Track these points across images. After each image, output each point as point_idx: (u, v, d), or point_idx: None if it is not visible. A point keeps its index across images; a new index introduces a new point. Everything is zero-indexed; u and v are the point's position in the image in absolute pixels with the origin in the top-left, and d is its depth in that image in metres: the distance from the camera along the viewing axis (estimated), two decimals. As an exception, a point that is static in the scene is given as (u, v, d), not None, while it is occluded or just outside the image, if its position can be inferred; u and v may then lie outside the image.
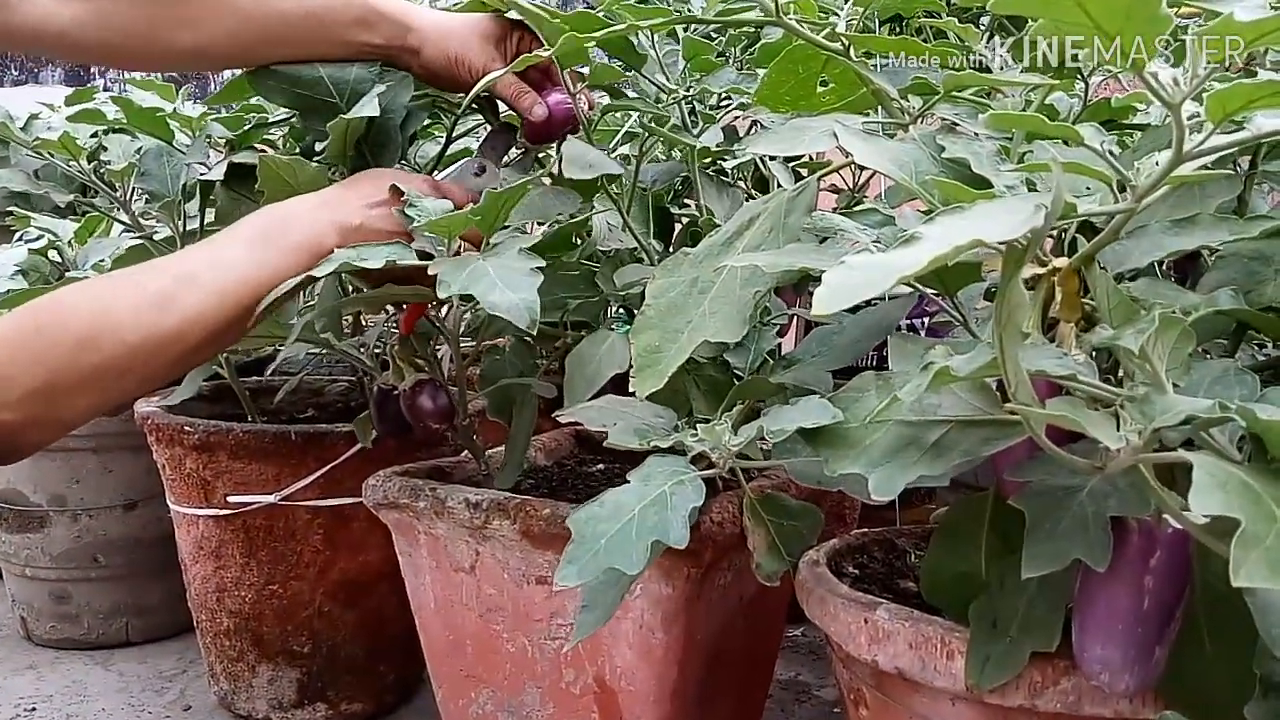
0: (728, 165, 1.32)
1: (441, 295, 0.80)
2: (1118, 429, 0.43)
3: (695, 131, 1.03)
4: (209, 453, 1.13)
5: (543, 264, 0.82)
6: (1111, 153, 0.55)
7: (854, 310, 0.85)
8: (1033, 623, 0.59)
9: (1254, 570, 0.33)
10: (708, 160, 1.18)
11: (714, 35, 1.12)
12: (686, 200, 1.27)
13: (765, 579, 0.80)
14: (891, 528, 0.93)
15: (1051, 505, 0.52)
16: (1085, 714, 0.61)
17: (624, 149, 1.13)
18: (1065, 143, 0.66)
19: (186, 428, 1.14)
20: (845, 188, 1.56)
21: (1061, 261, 0.58)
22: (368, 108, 0.90)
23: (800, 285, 1.21)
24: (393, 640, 1.17)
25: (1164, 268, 0.78)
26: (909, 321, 1.52)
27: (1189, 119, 0.46)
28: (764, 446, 0.78)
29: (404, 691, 1.26)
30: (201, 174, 1.10)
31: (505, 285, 0.78)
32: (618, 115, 1.08)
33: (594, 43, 0.80)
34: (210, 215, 1.14)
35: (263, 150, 1.11)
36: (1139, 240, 0.65)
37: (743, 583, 0.94)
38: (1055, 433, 0.52)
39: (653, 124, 0.97)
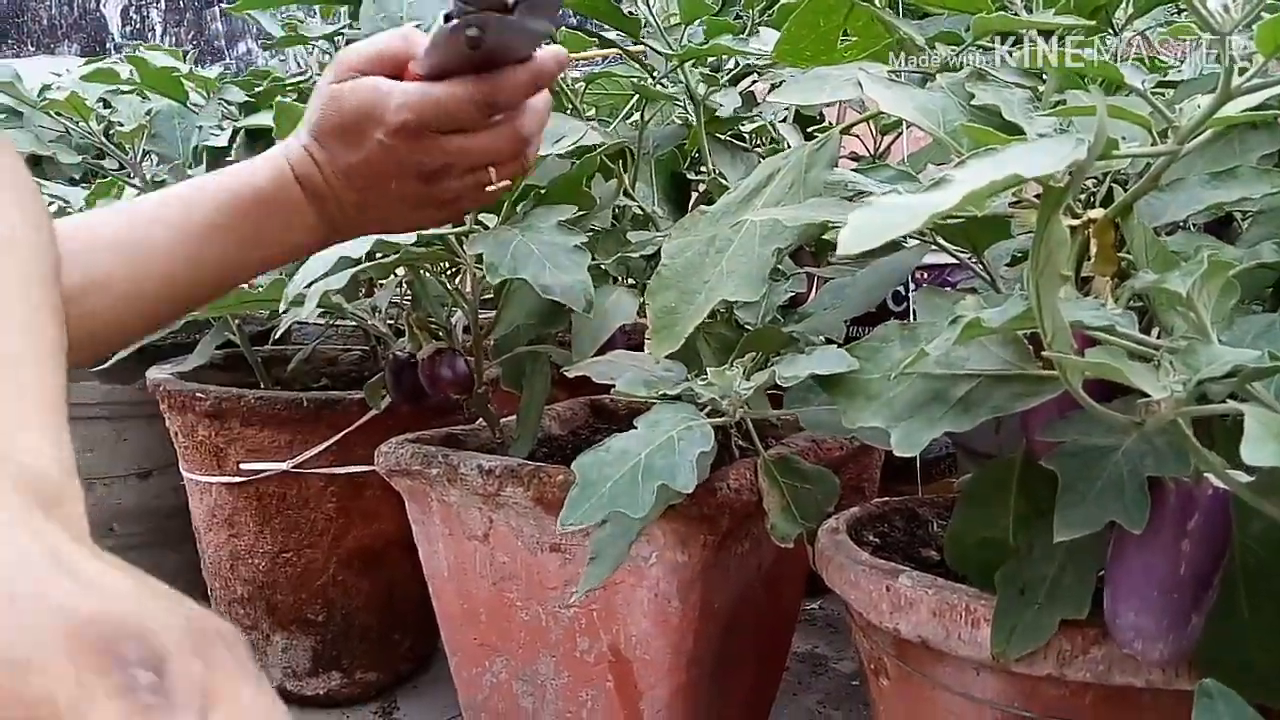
0: (745, 130, 1.30)
1: (492, 280, 0.78)
2: (1160, 381, 0.40)
3: (703, 95, 1.00)
4: (221, 420, 1.12)
5: (584, 239, 0.80)
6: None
7: (861, 260, 0.82)
8: (1062, 589, 0.57)
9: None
10: (721, 126, 1.15)
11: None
12: (703, 167, 1.24)
13: (779, 540, 0.78)
14: (913, 497, 0.91)
15: (1085, 466, 0.50)
16: (1116, 683, 0.59)
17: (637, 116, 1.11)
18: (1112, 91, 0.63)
19: (198, 394, 1.13)
20: (866, 153, 1.53)
21: (1097, 213, 0.55)
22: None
23: (821, 249, 1.18)
24: (407, 609, 1.17)
25: (1200, 231, 0.75)
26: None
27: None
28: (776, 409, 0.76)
29: (420, 660, 1.26)
30: (213, 137, 1.08)
31: (554, 266, 0.77)
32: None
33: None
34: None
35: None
36: (1176, 194, 0.62)
37: (760, 552, 0.93)
38: (1091, 389, 0.50)
39: (649, 88, 0.94)
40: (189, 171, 1.12)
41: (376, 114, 0.54)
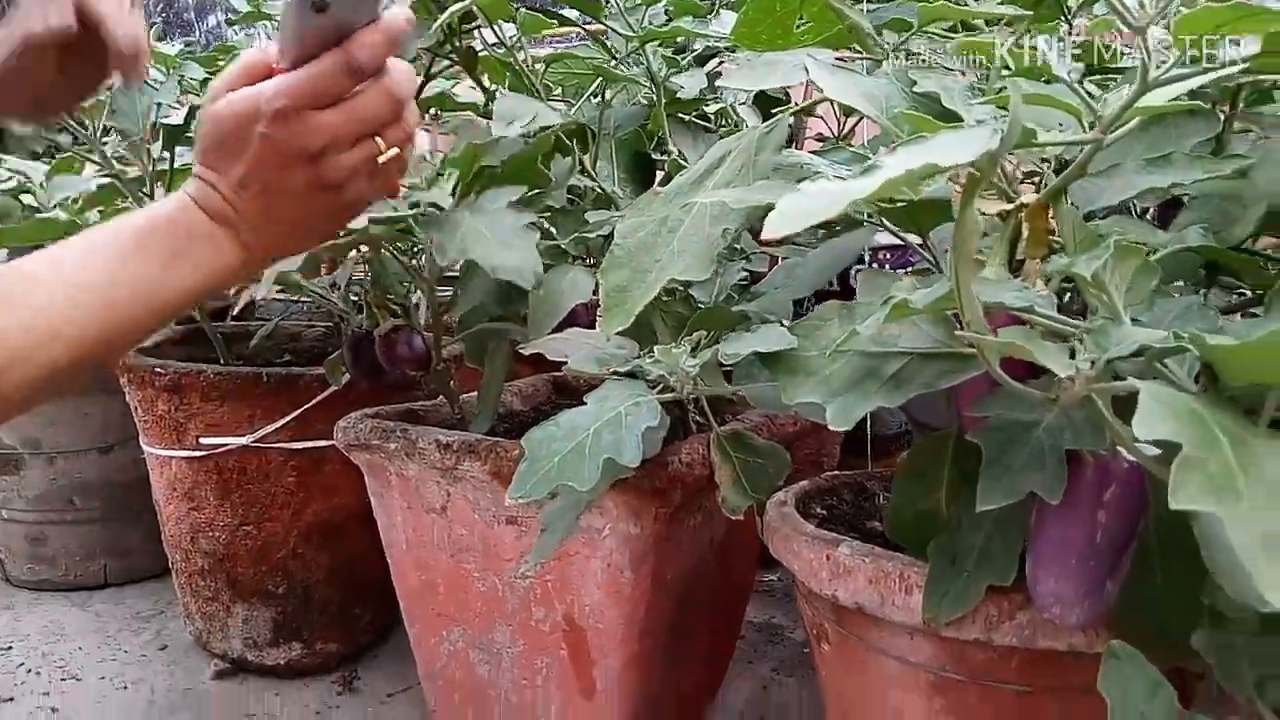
0: (710, 111, 1.31)
1: (440, 261, 0.79)
2: (1072, 360, 0.42)
3: (663, 77, 1.02)
4: (180, 394, 1.12)
5: (534, 219, 0.81)
6: (1088, 92, 0.55)
7: (811, 238, 0.84)
8: (989, 558, 0.60)
9: (1194, 493, 0.33)
10: (683, 107, 1.17)
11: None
12: (670, 148, 1.26)
13: (730, 513, 0.80)
14: (862, 471, 0.94)
15: (1008, 440, 0.53)
16: (1039, 647, 0.62)
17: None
18: (1046, 81, 0.65)
19: (158, 369, 1.13)
20: (830, 136, 1.54)
21: (1030, 198, 0.57)
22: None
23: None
24: (368, 582, 1.18)
25: (1148, 216, 0.77)
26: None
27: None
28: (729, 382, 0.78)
29: (380, 632, 1.27)
30: (166, 116, 1.07)
31: (503, 246, 0.78)
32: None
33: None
34: (183, 157, 1.13)
35: None
36: (1112, 179, 0.64)
37: (713, 525, 0.95)
38: (1015, 368, 0.52)
39: (608, 69, 0.95)
40: (148, 148, 1.11)
41: (253, 112, 0.55)
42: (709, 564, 0.96)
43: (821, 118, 1.55)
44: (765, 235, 0.40)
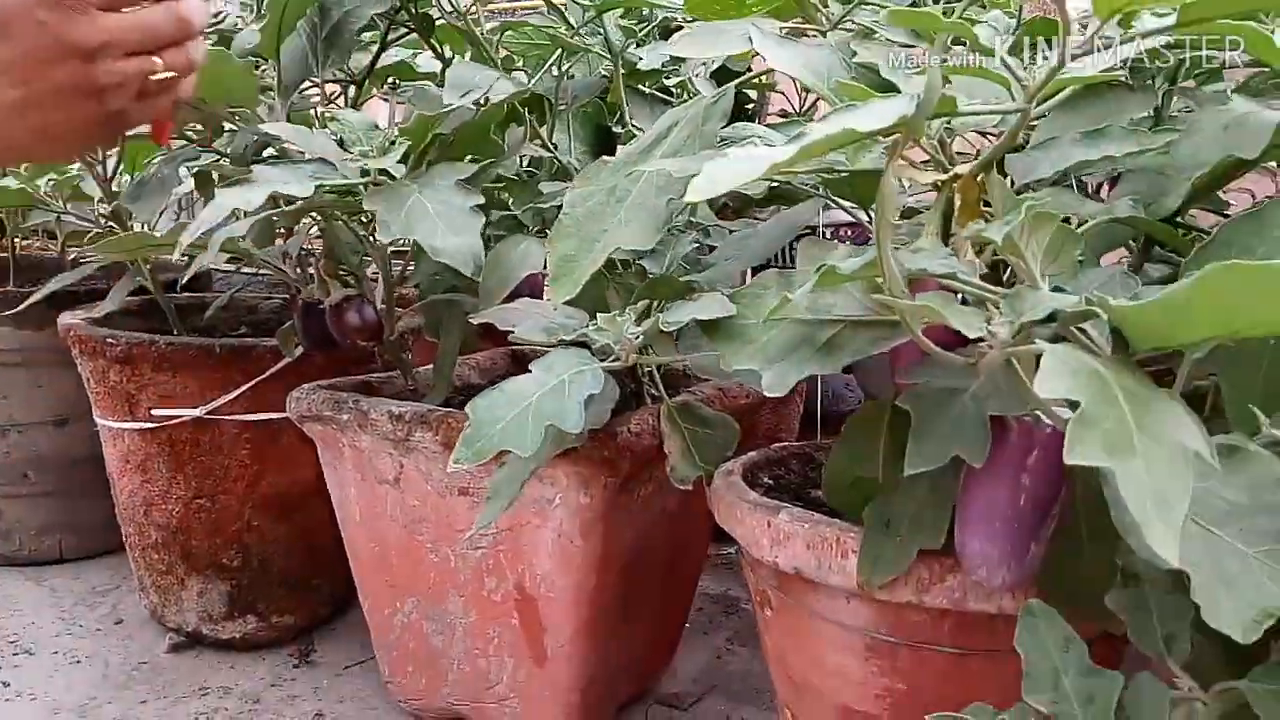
0: (670, 84, 1.31)
1: (383, 239, 0.78)
2: (988, 323, 0.43)
3: (621, 48, 1.01)
4: (132, 365, 1.11)
5: (481, 200, 0.81)
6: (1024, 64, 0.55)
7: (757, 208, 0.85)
8: (922, 522, 0.61)
9: (1089, 450, 0.34)
10: (641, 79, 1.16)
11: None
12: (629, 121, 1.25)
13: (678, 483, 0.81)
14: (811, 442, 0.95)
15: (936, 405, 0.54)
16: (970, 609, 0.63)
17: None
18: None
19: (109, 340, 1.12)
20: (793, 112, 1.55)
21: (964, 168, 0.58)
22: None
23: (744, 204, 1.21)
24: (324, 554, 1.18)
25: (1094, 190, 0.78)
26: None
27: (1079, 16, 0.46)
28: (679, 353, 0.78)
29: (338, 604, 1.28)
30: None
31: (447, 227, 0.77)
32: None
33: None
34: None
35: None
36: (1048, 151, 0.65)
37: (664, 495, 0.96)
38: (943, 335, 0.53)
39: (564, 39, 0.94)
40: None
41: None
42: (660, 534, 0.97)
43: (783, 93, 1.56)
44: (688, 198, 0.41)
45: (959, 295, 0.53)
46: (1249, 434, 0.49)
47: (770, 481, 0.84)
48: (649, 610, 1.01)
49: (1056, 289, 0.50)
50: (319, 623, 1.27)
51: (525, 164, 1.17)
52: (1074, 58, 0.45)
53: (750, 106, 1.51)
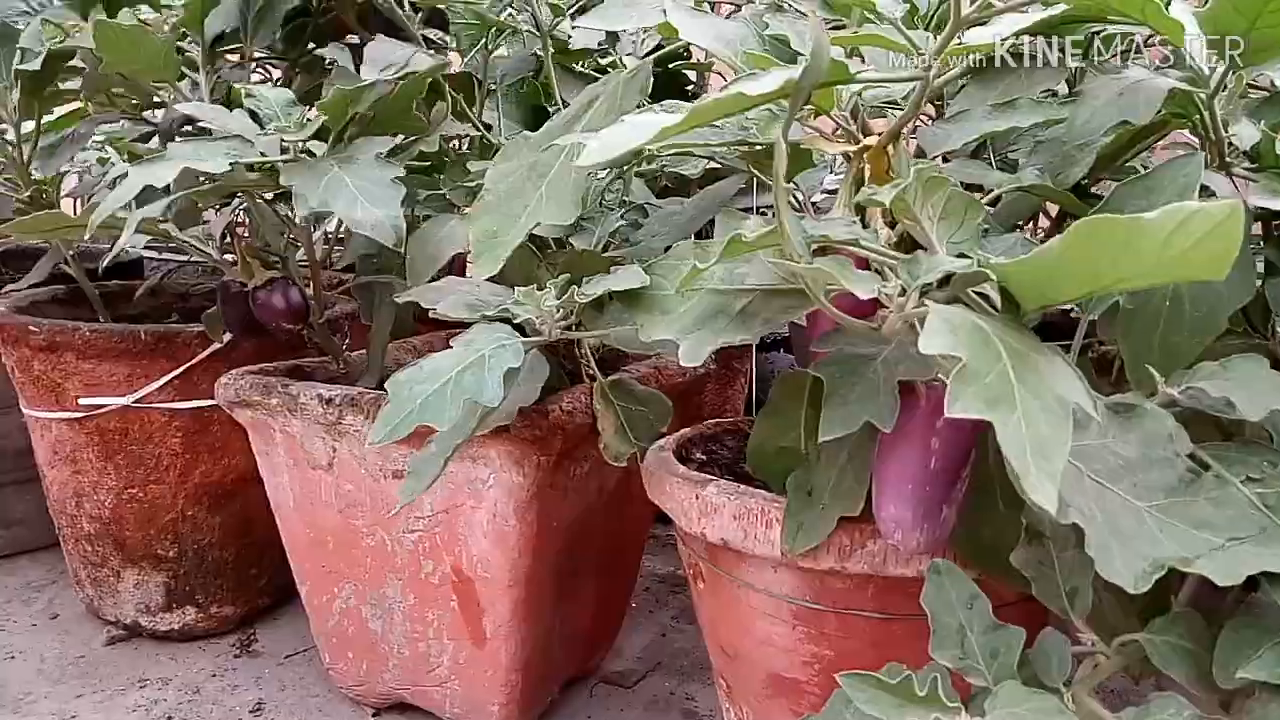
0: (604, 62, 1.30)
1: (300, 211, 0.77)
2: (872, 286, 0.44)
3: (550, 26, 1.00)
4: (56, 353, 1.09)
5: (403, 173, 0.80)
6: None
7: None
8: (841, 490, 0.62)
9: (969, 403, 0.35)
10: (573, 58, 1.16)
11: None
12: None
13: (612, 460, 0.82)
14: (745, 418, 0.96)
15: (848, 372, 0.54)
16: (891, 574, 0.64)
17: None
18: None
19: (32, 328, 1.09)
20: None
21: (872, 140, 0.59)
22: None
23: (683, 182, 1.20)
24: (263, 543, 1.16)
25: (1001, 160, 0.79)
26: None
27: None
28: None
29: (279, 594, 1.26)
30: (31, 60, 1.02)
31: (366, 199, 0.76)
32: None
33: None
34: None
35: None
36: (959, 124, 0.66)
37: (602, 474, 0.96)
38: (852, 305, 0.53)
39: (489, 16, 0.94)
40: (10, 96, 1.06)
41: None
42: (598, 512, 0.97)
43: (720, 75, 1.56)
44: (580, 163, 0.41)
45: (869, 265, 0.53)
46: (1148, 395, 0.51)
47: (703, 457, 0.85)
48: (590, 589, 1.01)
49: (960, 255, 0.51)
50: (260, 612, 1.25)
51: (460, 145, 1.16)
52: (970, 23, 0.46)
53: (690, 87, 1.51)
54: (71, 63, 1.06)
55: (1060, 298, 0.40)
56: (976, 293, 0.45)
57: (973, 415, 0.34)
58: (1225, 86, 0.55)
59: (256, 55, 1.05)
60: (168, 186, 0.79)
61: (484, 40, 1.05)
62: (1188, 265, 0.32)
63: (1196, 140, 0.63)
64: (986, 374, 0.35)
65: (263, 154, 0.79)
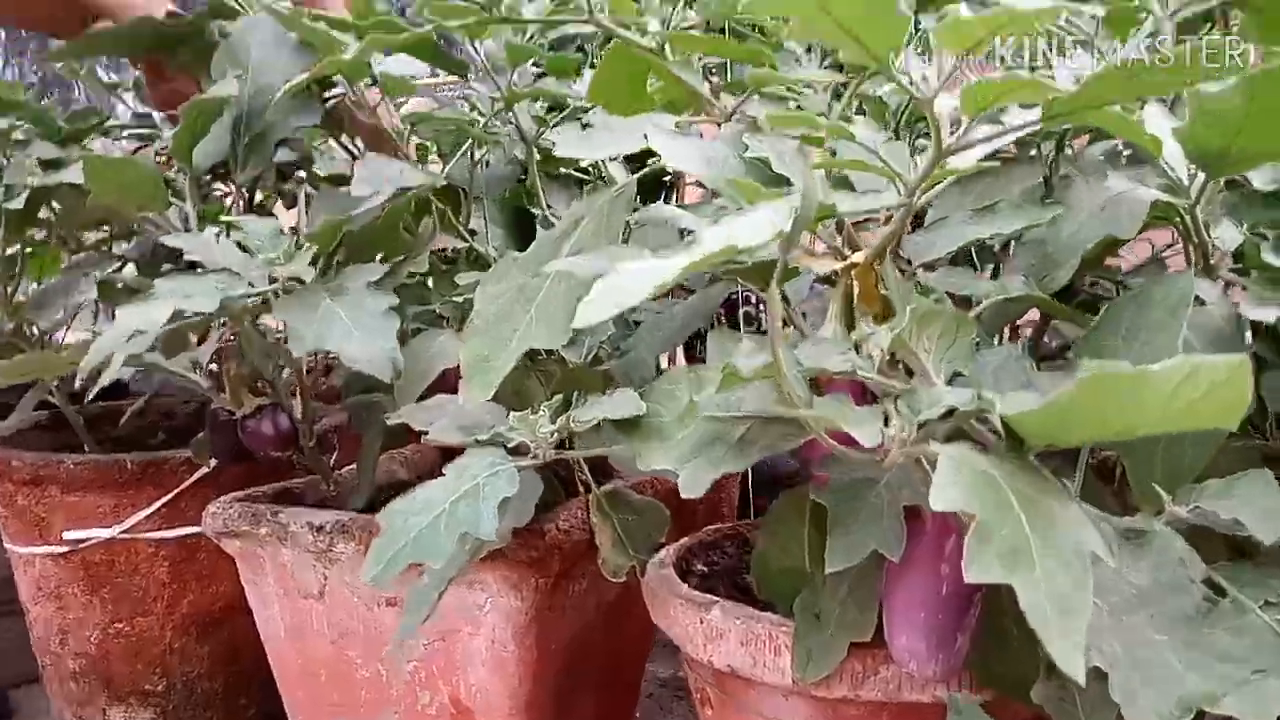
0: (585, 164, 1.32)
1: (296, 351, 0.76)
2: (887, 425, 0.43)
3: (535, 135, 1.02)
4: (40, 487, 1.06)
5: (396, 301, 0.79)
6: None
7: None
8: (849, 614, 0.60)
9: (988, 565, 0.34)
10: (556, 164, 1.17)
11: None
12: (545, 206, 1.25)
13: (611, 575, 0.80)
14: (745, 522, 0.94)
15: (851, 498, 0.53)
16: (907, 700, 0.62)
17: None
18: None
19: (14, 461, 1.07)
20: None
21: (858, 256, 0.59)
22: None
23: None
24: (251, 671, 1.13)
25: (999, 250, 0.80)
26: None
27: (951, 113, 0.47)
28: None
29: (271, 722, 1.22)
30: (14, 199, 1.02)
31: (361, 333, 0.75)
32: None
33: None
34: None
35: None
36: (941, 231, 0.66)
37: (600, 589, 0.94)
38: (848, 436, 0.52)
39: (472, 128, 0.95)
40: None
41: None
42: (597, 629, 0.94)
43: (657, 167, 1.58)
44: (577, 323, 0.40)
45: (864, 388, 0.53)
46: (1154, 512, 0.50)
47: (704, 568, 0.83)
48: (588, 706, 0.98)
49: (956, 375, 0.50)
50: (251, 743, 1.21)
51: (446, 250, 1.16)
52: (952, 151, 0.46)
53: (667, 179, 1.53)
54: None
55: (1068, 442, 0.39)
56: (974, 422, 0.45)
57: (993, 580, 0.33)
58: (1204, 193, 0.55)
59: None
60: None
61: (469, 150, 1.06)
62: (1196, 416, 0.31)
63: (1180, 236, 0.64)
64: (1001, 528, 0.34)
65: (251, 286, 0.79)
